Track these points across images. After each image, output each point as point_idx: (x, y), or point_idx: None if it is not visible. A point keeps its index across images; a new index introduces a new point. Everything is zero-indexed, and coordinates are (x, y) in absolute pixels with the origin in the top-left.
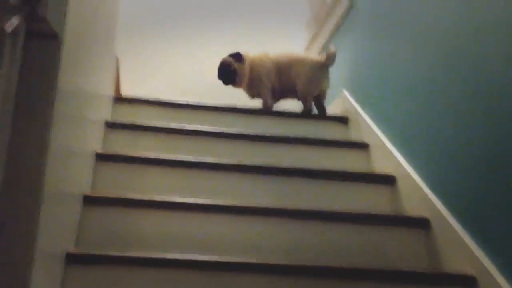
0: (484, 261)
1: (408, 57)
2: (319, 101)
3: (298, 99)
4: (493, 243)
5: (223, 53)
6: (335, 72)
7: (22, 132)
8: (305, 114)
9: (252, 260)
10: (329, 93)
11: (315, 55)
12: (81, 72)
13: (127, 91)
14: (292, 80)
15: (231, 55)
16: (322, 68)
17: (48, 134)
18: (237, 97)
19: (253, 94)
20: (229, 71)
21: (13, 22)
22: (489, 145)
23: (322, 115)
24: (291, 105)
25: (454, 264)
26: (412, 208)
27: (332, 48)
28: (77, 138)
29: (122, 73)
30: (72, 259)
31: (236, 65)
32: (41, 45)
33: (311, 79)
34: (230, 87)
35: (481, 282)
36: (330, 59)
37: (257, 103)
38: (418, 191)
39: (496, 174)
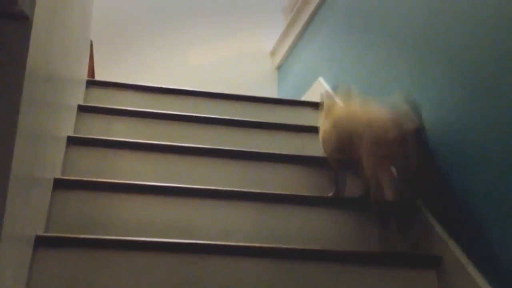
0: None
1: (383, 46)
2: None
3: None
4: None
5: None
6: (311, 60)
7: None
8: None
9: (225, 242)
10: (305, 79)
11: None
12: (52, 54)
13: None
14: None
15: None
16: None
17: (17, 117)
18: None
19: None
20: None
21: None
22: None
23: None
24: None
25: None
26: None
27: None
28: (48, 121)
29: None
30: (42, 242)
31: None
32: (10, 27)
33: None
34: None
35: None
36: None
37: (233, 89)
38: None
39: None
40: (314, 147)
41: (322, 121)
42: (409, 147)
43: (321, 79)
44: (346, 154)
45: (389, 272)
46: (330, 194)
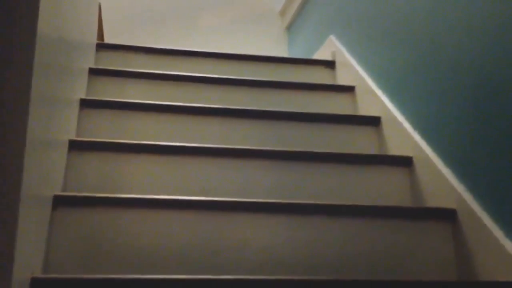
0: (464, 195)
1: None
2: None
3: None
4: (472, 177)
5: None
6: (322, 17)
7: (2, 80)
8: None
9: (238, 199)
10: (316, 38)
11: None
12: (63, 16)
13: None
14: None
15: None
16: None
17: (30, 79)
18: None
19: None
20: None
21: None
22: (477, 87)
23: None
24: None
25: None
26: (396, 147)
27: None
28: (60, 84)
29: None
30: (60, 202)
31: None
32: None
33: None
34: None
35: (460, 214)
36: None
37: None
38: (402, 132)
39: (480, 115)
40: (325, 105)
41: None
42: None
43: (332, 37)
44: None
45: (404, 224)
46: None
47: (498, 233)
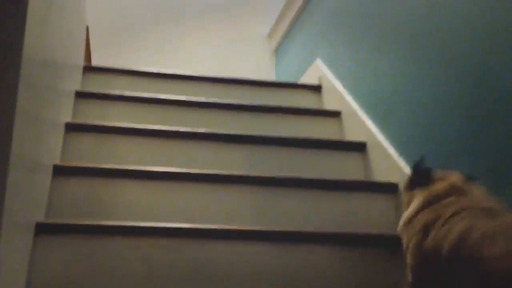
0: None
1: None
2: None
3: None
4: None
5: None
6: (309, 41)
7: None
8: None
9: (222, 227)
10: (303, 62)
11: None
12: (49, 38)
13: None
14: None
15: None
16: None
17: (15, 103)
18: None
19: None
20: None
21: None
22: (464, 118)
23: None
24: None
25: None
26: (382, 173)
27: None
28: (46, 107)
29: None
30: (42, 229)
31: None
32: (5, 9)
33: None
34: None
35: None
36: None
37: (231, 72)
38: (388, 158)
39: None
40: (311, 130)
41: (412, 214)
42: None
43: (318, 61)
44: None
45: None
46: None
47: None
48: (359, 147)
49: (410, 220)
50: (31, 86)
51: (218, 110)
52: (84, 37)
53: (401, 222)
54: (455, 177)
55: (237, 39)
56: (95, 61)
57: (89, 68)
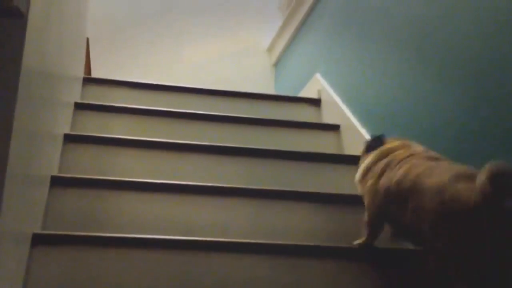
0: None
1: (380, 41)
2: None
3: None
4: None
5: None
6: (308, 56)
7: None
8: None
9: (222, 239)
10: (302, 76)
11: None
12: (48, 51)
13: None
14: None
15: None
16: None
17: (13, 114)
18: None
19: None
20: None
21: None
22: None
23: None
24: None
25: None
26: None
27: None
28: (44, 119)
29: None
30: (39, 240)
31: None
32: (5, 24)
33: None
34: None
35: None
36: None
37: (231, 86)
38: None
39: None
40: (310, 143)
41: (368, 165)
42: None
43: (318, 75)
44: (397, 220)
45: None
46: (359, 241)
47: None
48: (358, 161)
49: (368, 169)
50: (29, 98)
51: (217, 122)
52: (85, 49)
53: (358, 174)
54: (403, 139)
55: (237, 53)
56: (96, 73)
57: (89, 80)
